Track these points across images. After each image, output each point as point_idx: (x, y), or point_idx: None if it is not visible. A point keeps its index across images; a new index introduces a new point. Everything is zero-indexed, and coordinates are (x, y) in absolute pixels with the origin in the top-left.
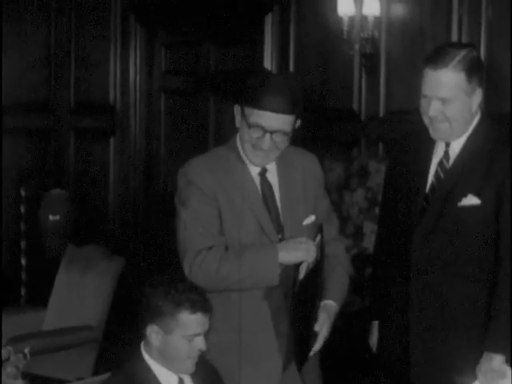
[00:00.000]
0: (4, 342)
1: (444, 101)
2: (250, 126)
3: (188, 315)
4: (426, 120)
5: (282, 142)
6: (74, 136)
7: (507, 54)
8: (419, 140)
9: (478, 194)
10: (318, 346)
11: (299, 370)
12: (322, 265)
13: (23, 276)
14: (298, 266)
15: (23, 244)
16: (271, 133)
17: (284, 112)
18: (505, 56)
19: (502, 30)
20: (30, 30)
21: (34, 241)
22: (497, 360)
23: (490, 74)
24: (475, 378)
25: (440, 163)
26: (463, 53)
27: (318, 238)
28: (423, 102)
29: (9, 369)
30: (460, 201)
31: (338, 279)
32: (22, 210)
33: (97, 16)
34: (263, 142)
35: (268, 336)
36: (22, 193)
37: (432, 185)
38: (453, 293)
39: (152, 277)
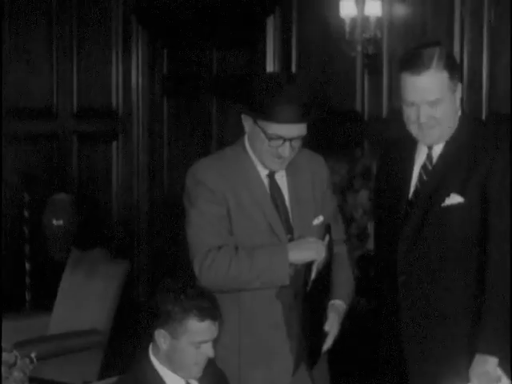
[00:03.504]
0: (10, 346)
1: (433, 104)
2: (269, 138)
3: (196, 322)
4: (413, 129)
5: (298, 146)
6: (77, 141)
7: (508, 54)
8: (400, 147)
9: (461, 193)
10: (328, 345)
11: (311, 369)
12: (330, 264)
13: (27, 280)
14: (308, 265)
15: (27, 248)
16: (290, 140)
17: (301, 121)
18: (506, 56)
19: (503, 30)
20: (32, 36)
21: (38, 245)
22: (491, 362)
23: (492, 75)
24: (467, 380)
25: (423, 166)
26: (438, 50)
27: (327, 238)
28: (409, 111)
29: (16, 373)
30: (443, 201)
31: (346, 279)
32: (26, 214)
33: (98, 20)
34: (284, 150)
35: (279, 336)
36: (26, 197)
37: (416, 188)
38: (441, 296)
39: (159, 281)
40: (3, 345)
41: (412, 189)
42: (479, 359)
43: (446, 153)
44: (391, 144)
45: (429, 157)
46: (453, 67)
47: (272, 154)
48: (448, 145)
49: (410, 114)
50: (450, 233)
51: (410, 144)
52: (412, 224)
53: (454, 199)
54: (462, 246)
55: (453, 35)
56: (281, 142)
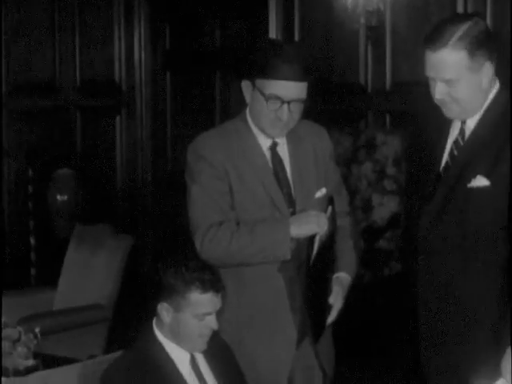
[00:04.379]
0: (15, 322)
1: (449, 82)
2: (267, 98)
3: (198, 294)
4: (436, 101)
5: (298, 111)
6: (81, 115)
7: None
8: (437, 117)
9: (487, 175)
10: (332, 318)
11: (315, 342)
12: (333, 237)
13: (32, 256)
14: (311, 239)
15: (31, 224)
16: (289, 103)
17: (300, 79)
18: (508, 27)
19: (506, 1)
20: (34, 11)
21: (43, 221)
22: None
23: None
24: (495, 374)
25: (455, 141)
26: (464, 27)
27: (330, 210)
28: (430, 83)
29: (20, 348)
30: (469, 182)
31: (350, 251)
32: (30, 190)
33: None
34: (282, 113)
35: (282, 310)
36: (30, 173)
37: (446, 163)
38: (462, 277)
39: (162, 255)
40: (7, 320)
41: (443, 162)
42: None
43: (478, 130)
44: (423, 116)
45: (461, 131)
46: (476, 46)
47: (271, 118)
48: (481, 121)
49: (431, 86)
50: (474, 215)
51: (445, 116)
52: (436, 201)
53: (480, 182)
54: (484, 231)
55: (456, 5)
56: (279, 104)
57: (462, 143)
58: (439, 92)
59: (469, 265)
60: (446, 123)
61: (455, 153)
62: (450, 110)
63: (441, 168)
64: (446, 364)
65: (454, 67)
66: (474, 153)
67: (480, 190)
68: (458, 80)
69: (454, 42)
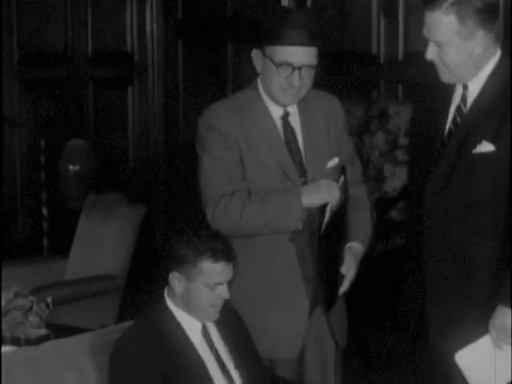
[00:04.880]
0: (27, 292)
1: (439, 44)
2: (277, 65)
3: (210, 264)
4: (429, 61)
5: (309, 77)
6: (93, 86)
7: None
8: (439, 84)
9: (492, 141)
10: (344, 287)
11: (327, 312)
12: (346, 206)
13: (44, 226)
14: (323, 208)
15: (44, 195)
16: (299, 69)
17: (309, 44)
18: None
19: None
20: None
21: (55, 191)
22: (510, 316)
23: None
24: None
25: (458, 108)
26: None
27: (342, 179)
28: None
29: (32, 318)
30: (474, 147)
31: (363, 221)
32: (42, 160)
33: None
34: (293, 79)
35: (294, 280)
36: (42, 144)
37: (449, 130)
38: (467, 243)
39: (174, 225)
40: (19, 290)
41: (447, 128)
42: (500, 311)
43: (481, 97)
44: (427, 84)
45: (463, 98)
46: (467, 13)
47: (282, 86)
48: (484, 88)
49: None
50: (480, 181)
51: (447, 84)
52: (442, 167)
53: (485, 147)
54: (490, 195)
55: None
56: (290, 70)
57: (464, 110)
58: (430, 52)
59: (474, 230)
60: (448, 91)
61: (458, 120)
62: (442, 73)
63: (445, 135)
64: (448, 322)
65: (443, 30)
66: (477, 119)
67: (485, 156)
68: (448, 44)
69: (446, 7)
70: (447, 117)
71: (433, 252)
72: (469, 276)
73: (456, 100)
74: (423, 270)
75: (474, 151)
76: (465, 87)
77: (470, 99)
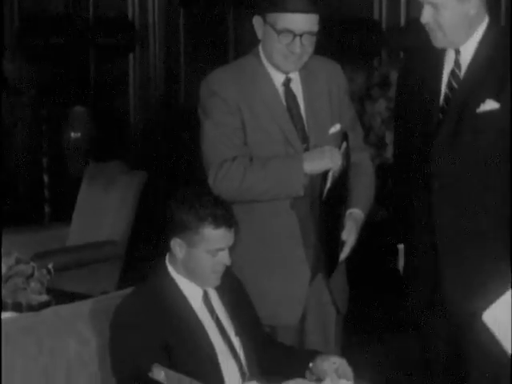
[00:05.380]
0: (28, 258)
1: (435, 6)
2: (278, 32)
3: (211, 230)
4: (424, 25)
5: (310, 44)
6: (94, 53)
7: None
8: (429, 50)
9: (496, 99)
10: (345, 254)
11: (328, 278)
12: (347, 173)
13: (46, 194)
14: (324, 175)
15: (45, 162)
16: (301, 36)
17: (310, 11)
18: None
19: None
20: None
21: (56, 159)
22: None
23: None
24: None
25: (452, 72)
26: None
27: (344, 145)
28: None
29: (33, 284)
30: (478, 107)
31: (364, 188)
32: (44, 128)
33: None
34: (294, 47)
35: (295, 246)
36: (43, 111)
37: (446, 95)
38: (475, 202)
39: (175, 191)
40: (21, 256)
41: (442, 94)
42: None
43: (475, 63)
44: (415, 52)
45: (456, 63)
46: None
47: (284, 53)
48: (476, 54)
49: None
50: (486, 139)
51: (437, 51)
52: (446, 131)
53: (490, 105)
54: (497, 154)
55: None
56: (291, 37)
57: (460, 75)
58: (425, 15)
59: (483, 185)
60: (435, 56)
61: (454, 85)
62: (435, 38)
63: (440, 101)
64: (466, 284)
65: None
66: (475, 81)
67: (490, 114)
68: (444, 5)
69: None
70: (439, 83)
71: (443, 215)
72: (483, 231)
73: (448, 65)
74: (434, 230)
75: (478, 110)
76: (457, 52)
77: (465, 63)
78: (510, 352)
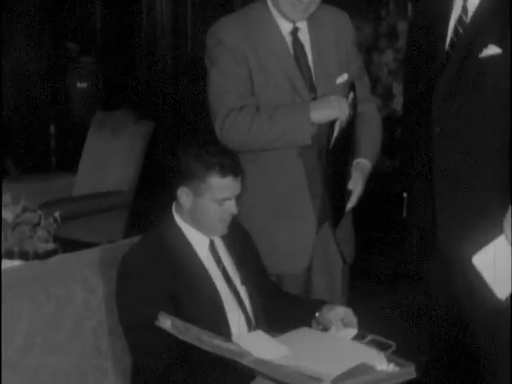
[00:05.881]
0: (35, 206)
1: None
2: None
3: (218, 179)
4: None
5: None
6: (101, 2)
7: None
8: (436, 2)
9: (498, 44)
10: (351, 203)
11: (335, 227)
12: (354, 123)
13: (52, 144)
14: (331, 124)
15: (52, 112)
16: None
17: None
18: None
19: None
20: None
21: (63, 109)
22: None
23: None
24: (501, 231)
25: (459, 19)
26: None
27: (351, 95)
28: None
29: (40, 232)
30: (481, 52)
31: (371, 138)
32: (49, 77)
33: None
34: None
35: (302, 195)
36: (50, 61)
37: (451, 41)
38: (476, 147)
39: (182, 140)
40: (27, 205)
41: (448, 40)
42: None
43: (481, 9)
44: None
45: (464, 9)
46: None
47: (291, 1)
48: (483, 1)
49: None
50: (487, 84)
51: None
52: (448, 75)
53: (492, 50)
54: (499, 98)
55: None
56: None
57: (466, 20)
58: None
59: (485, 132)
60: (443, 3)
61: (460, 30)
62: None
63: (446, 46)
64: (459, 223)
65: None
66: (480, 26)
67: (492, 59)
68: None
69: None
70: (446, 30)
71: (443, 156)
72: (480, 177)
73: (456, 12)
74: (432, 163)
75: (481, 55)
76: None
77: (471, 9)
78: (502, 296)
